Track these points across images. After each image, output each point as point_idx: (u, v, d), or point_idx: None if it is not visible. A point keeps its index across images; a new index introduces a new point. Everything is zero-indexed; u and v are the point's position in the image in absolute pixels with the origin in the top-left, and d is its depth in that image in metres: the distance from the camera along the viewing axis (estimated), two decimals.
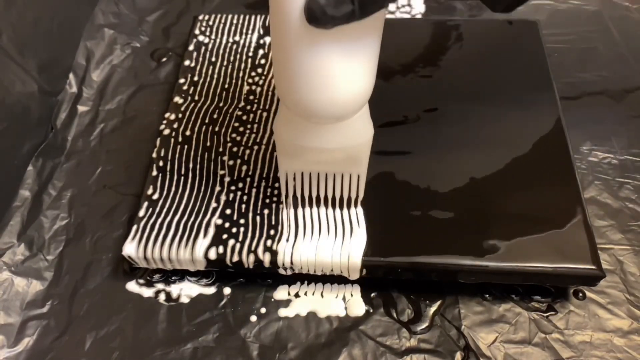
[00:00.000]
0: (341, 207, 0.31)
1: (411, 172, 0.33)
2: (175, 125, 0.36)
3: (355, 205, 0.31)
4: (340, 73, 0.23)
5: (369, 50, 0.23)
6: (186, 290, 0.32)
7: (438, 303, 0.31)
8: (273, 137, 0.32)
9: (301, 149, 0.28)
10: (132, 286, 0.32)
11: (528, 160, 0.33)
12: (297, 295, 0.32)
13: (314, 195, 0.31)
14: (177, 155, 0.35)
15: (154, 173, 0.34)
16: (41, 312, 0.31)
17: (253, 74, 0.39)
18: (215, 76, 0.39)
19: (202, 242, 0.30)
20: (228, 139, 0.35)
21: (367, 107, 0.27)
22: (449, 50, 0.39)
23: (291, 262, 0.30)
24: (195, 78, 0.39)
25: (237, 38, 0.41)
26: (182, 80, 0.39)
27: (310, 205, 0.31)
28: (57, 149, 0.38)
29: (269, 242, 0.30)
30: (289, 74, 0.24)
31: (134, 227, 0.31)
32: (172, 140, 0.35)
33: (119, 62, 0.43)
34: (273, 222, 0.31)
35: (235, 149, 0.35)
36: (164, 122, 0.36)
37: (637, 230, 0.33)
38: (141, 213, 0.32)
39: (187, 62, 0.40)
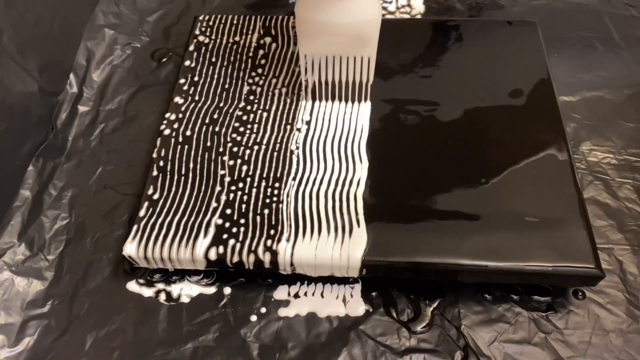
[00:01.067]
0: (352, 101, 0.36)
1: (411, 171, 0.33)
2: (175, 125, 0.36)
3: (365, 99, 0.36)
4: None
5: None
6: (186, 290, 0.32)
7: (438, 303, 0.31)
8: (295, 20, 0.34)
9: (318, 25, 0.32)
10: (132, 286, 0.32)
11: (528, 160, 0.33)
12: (297, 296, 0.32)
13: (330, 79, 0.35)
14: (177, 155, 0.35)
15: (155, 173, 0.34)
16: (42, 312, 0.31)
17: (253, 74, 0.39)
18: (216, 76, 0.39)
19: (203, 242, 0.31)
20: (228, 139, 0.35)
21: None
22: (449, 50, 0.39)
23: (291, 262, 0.30)
24: (196, 78, 0.39)
25: (237, 38, 0.41)
26: (182, 81, 0.39)
27: (327, 98, 0.36)
28: (57, 149, 0.38)
29: (269, 242, 0.30)
30: None
31: (135, 227, 0.31)
32: (173, 140, 0.35)
33: (119, 63, 0.43)
34: (273, 222, 0.31)
35: (235, 149, 0.35)
36: (165, 122, 0.36)
37: (636, 230, 0.33)
38: (142, 213, 0.32)
39: (187, 63, 0.40)
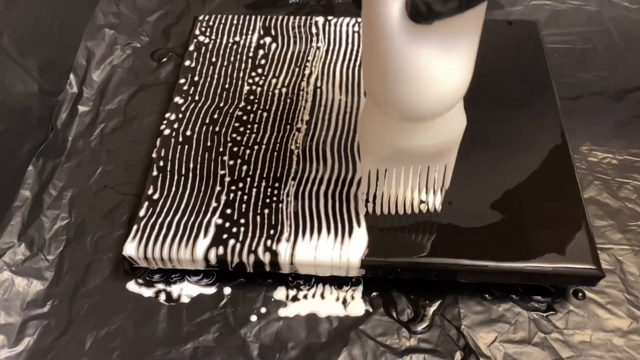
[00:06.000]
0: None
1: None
2: (175, 125, 0.36)
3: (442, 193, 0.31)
4: (440, 69, 0.22)
5: (470, 42, 0.22)
6: (186, 290, 0.32)
7: (438, 303, 0.31)
8: (357, 137, 0.31)
9: (392, 148, 0.27)
10: (132, 286, 0.32)
11: (528, 160, 0.33)
12: (296, 296, 0.32)
13: (398, 189, 0.30)
14: (177, 155, 0.35)
15: (155, 173, 0.34)
16: (42, 312, 0.31)
17: (253, 74, 0.39)
18: (216, 76, 0.39)
19: (203, 242, 0.31)
20: (228, 139, 0.35)
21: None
22: None
23: (291, 262, 0.30)
24: (196, 78, 0.39)
25: (237, 38, 0.41)
26: (182, 81, 0.39)
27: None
28: (57, 149, 0.38)
29: (269, 242, 0.30)
30: (385, 73, 0.23)
31: (135, 227, 0.31)
32: (173, 140, 0.35)
33: (119, 62, 0.43)
34: (273, 222, 0.31)
35: (235, 149, 0.35)
36: (165, 122, 0.36)
37: (636, 230, 0.33)
38: (142, 213, 0.32)
39: (187, 63, 0.40)
